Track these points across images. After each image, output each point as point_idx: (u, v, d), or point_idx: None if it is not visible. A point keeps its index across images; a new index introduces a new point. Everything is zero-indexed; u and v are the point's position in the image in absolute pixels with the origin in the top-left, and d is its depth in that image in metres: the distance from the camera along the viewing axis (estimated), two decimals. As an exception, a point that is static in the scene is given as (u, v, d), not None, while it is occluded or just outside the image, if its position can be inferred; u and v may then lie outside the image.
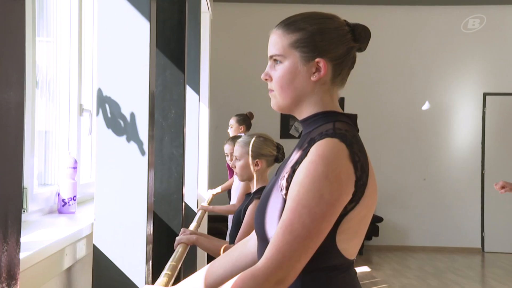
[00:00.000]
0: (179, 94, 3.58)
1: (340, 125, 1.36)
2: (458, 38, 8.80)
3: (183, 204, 3.69)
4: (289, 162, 1.39)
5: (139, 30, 2.00)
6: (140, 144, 2.11)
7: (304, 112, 1.43)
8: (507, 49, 8.78)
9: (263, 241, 1.40)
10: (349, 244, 1.34)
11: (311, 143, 1.33)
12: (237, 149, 2.87)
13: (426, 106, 8.85)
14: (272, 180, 1.45)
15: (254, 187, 2.91)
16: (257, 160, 2.84)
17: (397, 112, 8.83)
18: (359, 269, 7.25)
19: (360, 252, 8.22)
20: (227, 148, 4.41)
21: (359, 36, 1.43)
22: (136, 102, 2.07)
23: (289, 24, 1.42)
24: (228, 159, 4.43)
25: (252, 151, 2.81)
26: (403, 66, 8.82)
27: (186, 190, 4.07)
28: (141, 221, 2.05)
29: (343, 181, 1.28)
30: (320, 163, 1.28)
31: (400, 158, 8.82)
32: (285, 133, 8.67)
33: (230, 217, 4.40)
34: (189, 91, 4.60)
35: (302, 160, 1.33)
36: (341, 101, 8.35)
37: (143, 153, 2.10)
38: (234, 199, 4.42)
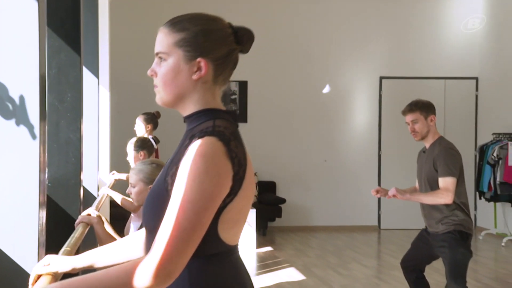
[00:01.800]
0: (76, 77, 3.49)
1: (220, 122, 1.44)
2: (357, 24, 9.12)
3: (81, 189, 3.61)
4: (174, 158, 1.44)
5: (25, 10, 1.94)
6: (30, 128, 2.05)
7: (187, 109, 1.51)
8: (401, 34, 9.20)
9: (151, 234, 1.44)
10: (229, 233, 1.44)
11: (192, 139, 1.40)
12: (132, 176, 2.96)
13: (326, 89, 9.12)
14: (159, 174, 1.50)
15: None
16: (150, 186, 2.91)
17: (299, 95, 9.03)
18: (263, 250, 7.42)
19: (264, 233, 8.39)
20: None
21: (241, 38, 1.50)
22: (25, 85, 2.01)
23: (175, 24, 1.48)
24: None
25: (145, 177, 2.91)
26: (305, 51, 9.02)
27: (85, 175, 3.98)
28: (32, 207, 2.00)
29: (222, 176, 1.37)
30: (200, 161, 1.35)
31: (302, 140, 9.06)
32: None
33: None
34: (87, 74, 4.49)
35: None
36: (244, 84, 8.44)
37: (34, 137, 2.04)
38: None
